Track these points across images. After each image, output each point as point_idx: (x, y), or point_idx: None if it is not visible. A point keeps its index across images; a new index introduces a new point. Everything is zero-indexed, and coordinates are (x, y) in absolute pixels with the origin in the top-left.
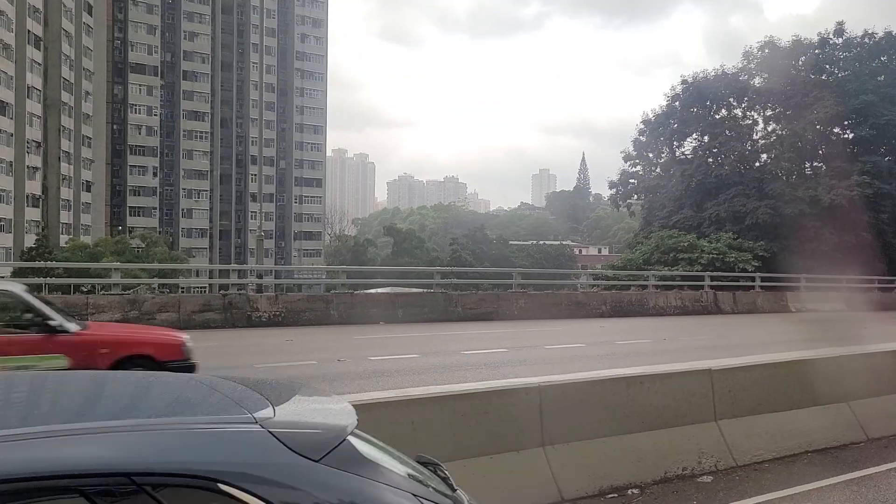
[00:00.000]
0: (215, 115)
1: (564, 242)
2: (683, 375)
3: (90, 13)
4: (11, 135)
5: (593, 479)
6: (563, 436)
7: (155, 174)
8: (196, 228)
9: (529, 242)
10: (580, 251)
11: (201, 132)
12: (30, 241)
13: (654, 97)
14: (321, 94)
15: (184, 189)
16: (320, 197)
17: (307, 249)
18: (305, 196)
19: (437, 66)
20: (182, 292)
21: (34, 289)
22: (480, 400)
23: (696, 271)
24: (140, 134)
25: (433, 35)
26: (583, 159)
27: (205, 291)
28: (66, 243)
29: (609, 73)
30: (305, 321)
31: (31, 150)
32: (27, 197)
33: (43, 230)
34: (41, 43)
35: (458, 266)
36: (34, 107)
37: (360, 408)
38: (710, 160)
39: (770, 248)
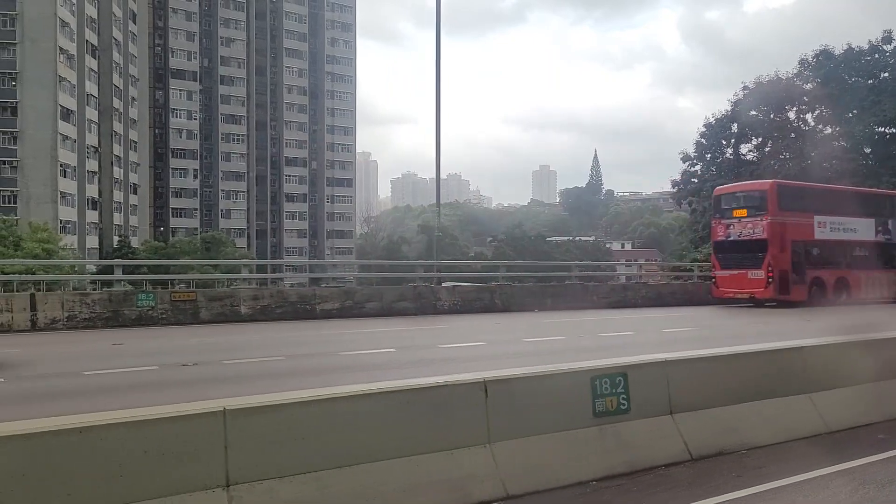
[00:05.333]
0: (251, 119)
1: (598, 239)
2: None
3: (134, 21)
4: (74, 140)
5: (852, 415)
6: (823, 384)
7: (195, 176)
8: (235, 228)
9: (566, 238)
10: (606, 246)
11: (238, 135)
12: (91, 242)
13: (637, 90)
14: (350, 96)
15: (222, 190)
16: (350, 196)
17: (339, 248)
18: (337, 196)
19: (420, 62)
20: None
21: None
22: (761, 358)
23: None
24: (181, 137)
25: (412, 31)
26: (595, 156)
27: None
28: (142, 244)
29: (590, 66)
30: (476, 309)
31: (90, 154)
32: (87, 200)
33: (101, 231)
34: (96, 52)
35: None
36: (91, 113)
37: None
38: (774, 161)
39: None
